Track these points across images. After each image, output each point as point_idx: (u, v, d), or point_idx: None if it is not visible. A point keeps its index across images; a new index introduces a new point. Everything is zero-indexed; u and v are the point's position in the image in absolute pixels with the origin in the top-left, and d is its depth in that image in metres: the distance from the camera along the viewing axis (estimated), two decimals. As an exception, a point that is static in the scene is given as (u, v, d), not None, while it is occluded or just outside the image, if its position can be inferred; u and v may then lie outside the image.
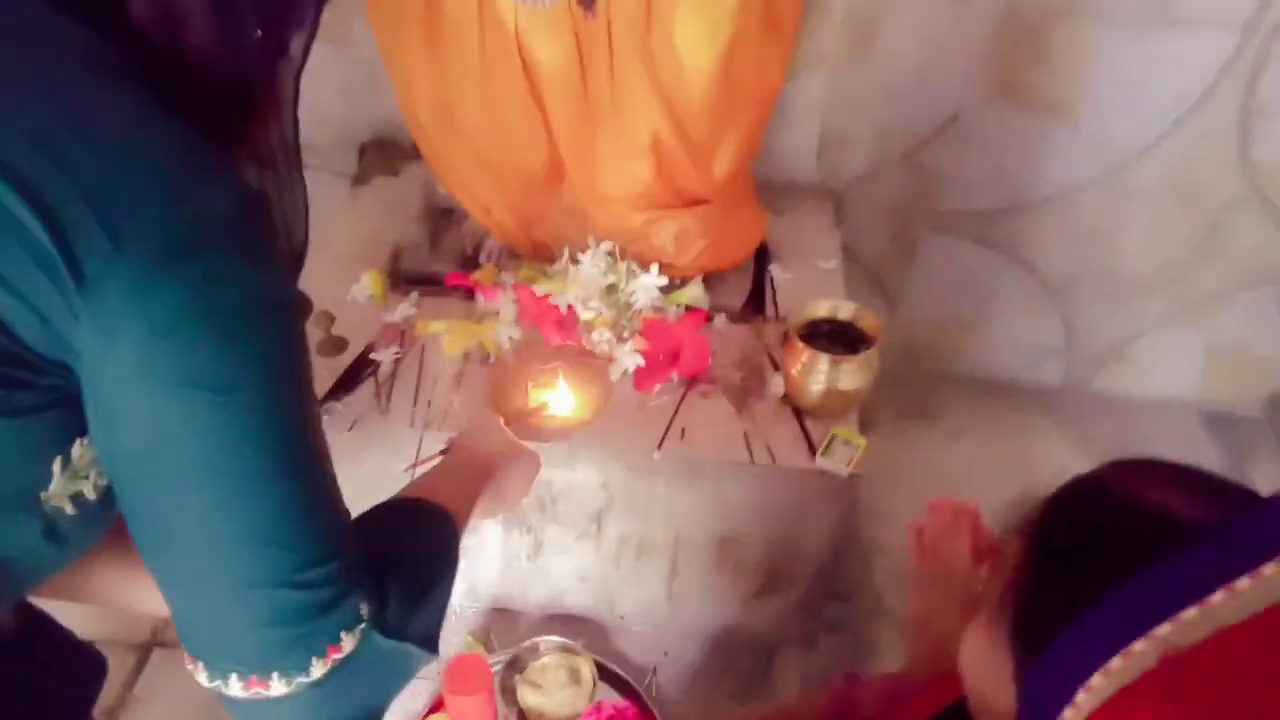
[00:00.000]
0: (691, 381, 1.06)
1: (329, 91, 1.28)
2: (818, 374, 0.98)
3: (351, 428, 0.99)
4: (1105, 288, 1.41)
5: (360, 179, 1.33)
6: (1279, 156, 1.22)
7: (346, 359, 1.06)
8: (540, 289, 1.08)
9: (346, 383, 1.03)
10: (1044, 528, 0.46)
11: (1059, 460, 1.44)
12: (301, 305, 0.45)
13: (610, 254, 1.11)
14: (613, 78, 0.96)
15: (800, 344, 0.99)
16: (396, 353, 1.07)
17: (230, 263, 0.40)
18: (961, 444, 1.48)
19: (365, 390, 1.03)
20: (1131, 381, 1.53)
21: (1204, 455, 1.45)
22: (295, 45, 0.49)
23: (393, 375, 1.05)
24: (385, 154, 1.36)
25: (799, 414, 1.02)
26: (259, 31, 0.46)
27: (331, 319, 1.07)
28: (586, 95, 0.99)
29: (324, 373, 1.03)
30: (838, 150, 1.32)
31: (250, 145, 0.50)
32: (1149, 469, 0.45)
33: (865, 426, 1.01)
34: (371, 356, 1.07)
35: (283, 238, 0.53)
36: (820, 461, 0.96)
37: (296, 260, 0.56)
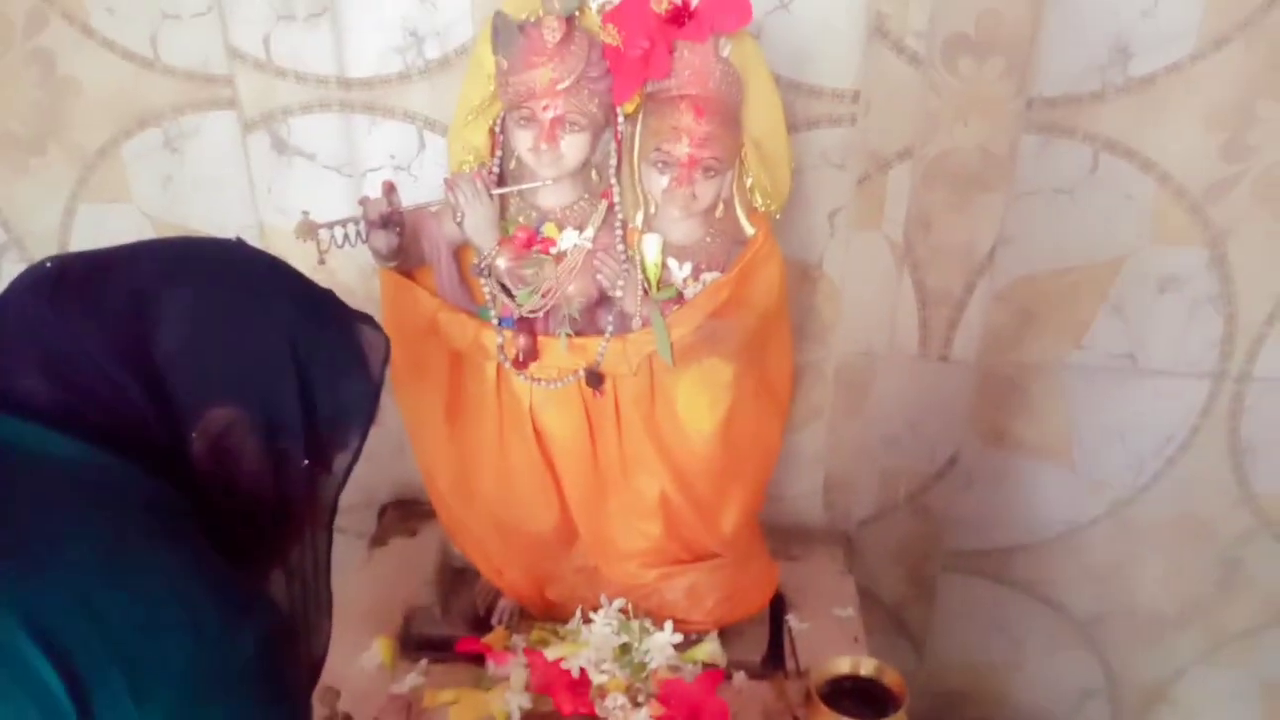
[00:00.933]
0: (712, 751, 1.00)
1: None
2: (845, 742, 0.93)
3: (348, 820, 0.92)
4: (1134, 624, 1.37)
5: (378, 540, 1.36)
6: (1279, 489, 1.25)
7: (349, 737, 1.02)
8: (552, 653, 1.06)
9: (347, 766, 0.98)
10: None
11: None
12: None
13: (623, 611, 1.10)
14: (621, 445, 1.02)
15: (824, 708, 0.95)
16: (402, 728, 1.02)
17: (245, 709, 0.40)
18: (1014, 806, 1.35)
19: (367, 775, 0.97)
20: (1186, 725, 1.43)
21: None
22: (339, 465, 0.53)
23: (396, 755, 0.99)
24: (404, 514, 1.40)
25: (829, 788, 0.94)
26: (306, 461, 0.50)
27: (337, 694, 1.03)
28: (596, 461, 1.04)
29: (325, 754, 0.98)
30: (844, 494, 1.36)
31: (284, 559, 0.53)
32: None
33: (902, 800, 0.94)
34: (375, 734, 1.02)
35: (302, 653, 0.54)
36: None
37: (314, 670, 0.56)
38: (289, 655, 0.44)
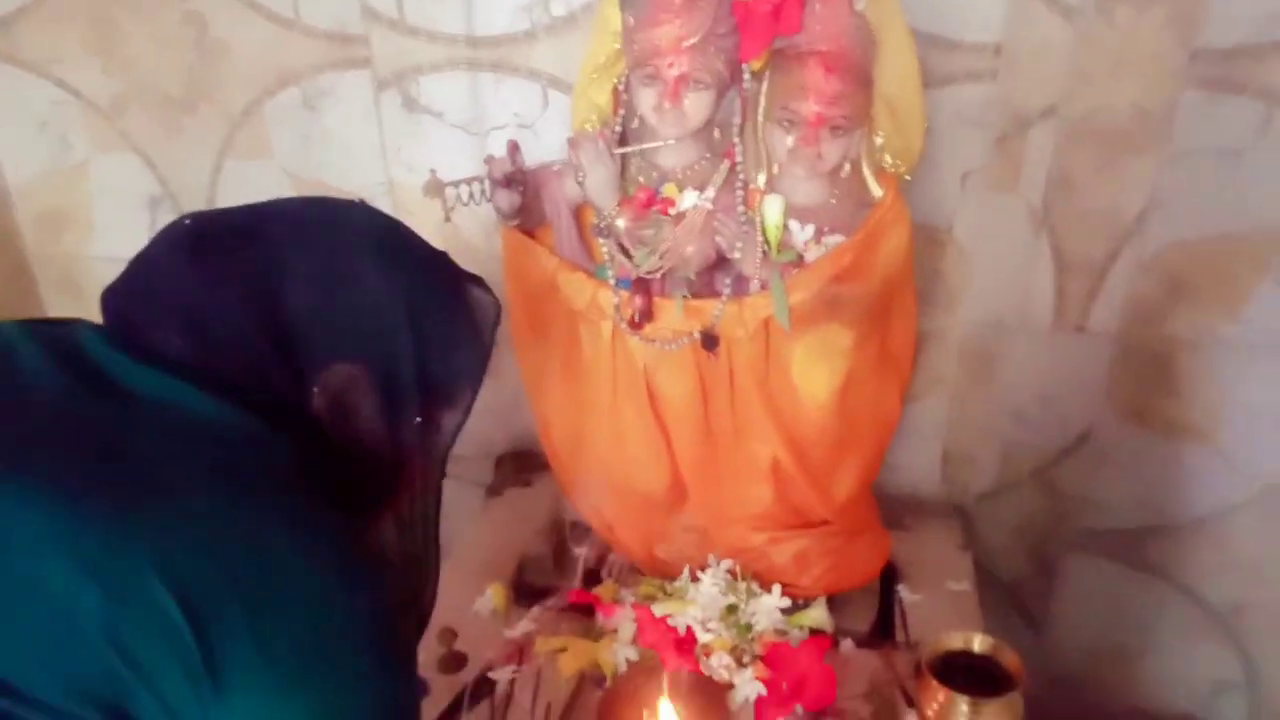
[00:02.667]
0: (817, 716, 1.00)
1: (477, 412, 1.39)
2: (957, 718, 0.91)
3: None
4: (1279, 617, 1.28)
5: (494, 490, 1.40)
6: None
7: (465, 676, 1.06)
8: (659, 609, 1.08)
9: (462, 704, 1.02)
10: None
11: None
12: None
13: (730, 573, 1.11)
14: (733, 409, 1.02)
15: (935, 683, 0.93)
16: (514, 671, 1.07)
17: (362, 671, 0.42)
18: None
19: (480, 713, 1.01)
20: (1332, 729, 1.33)
21: None
22: (449, 423, 0.55)
23: (508, 697, 1.04)
24: (520, 465, 1.43)
25: (938, 763, 0.93)
26: (418, 418, 0.52)
27: (454, 635, 1.08)
28: (708, 424, 1.04)
29: (442, 689, 1.03)
30: (963, 468, 1.31)
31: (395, 512, 0.55)
32: None
33: (1014, 781, 0.91)
34: (489, 675, 1.06)
35: (411, 607, 0.56)
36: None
37: (421, 622, 0.59)
38: (401, 617, 0.46)
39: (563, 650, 1.08)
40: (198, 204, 1.38)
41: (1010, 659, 0.95)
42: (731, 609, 1.08)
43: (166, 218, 1.42)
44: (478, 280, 0.64)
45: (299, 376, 0.52)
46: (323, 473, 0.49)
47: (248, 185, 1.36)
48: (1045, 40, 1.04)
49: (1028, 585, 1.36)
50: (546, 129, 1.21)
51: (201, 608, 0.40)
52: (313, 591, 0.42)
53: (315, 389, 0.52)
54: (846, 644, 1.09)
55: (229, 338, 0.51)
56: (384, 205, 1.31)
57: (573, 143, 0.95)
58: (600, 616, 1.13)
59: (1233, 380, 1.15)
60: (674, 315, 0.97)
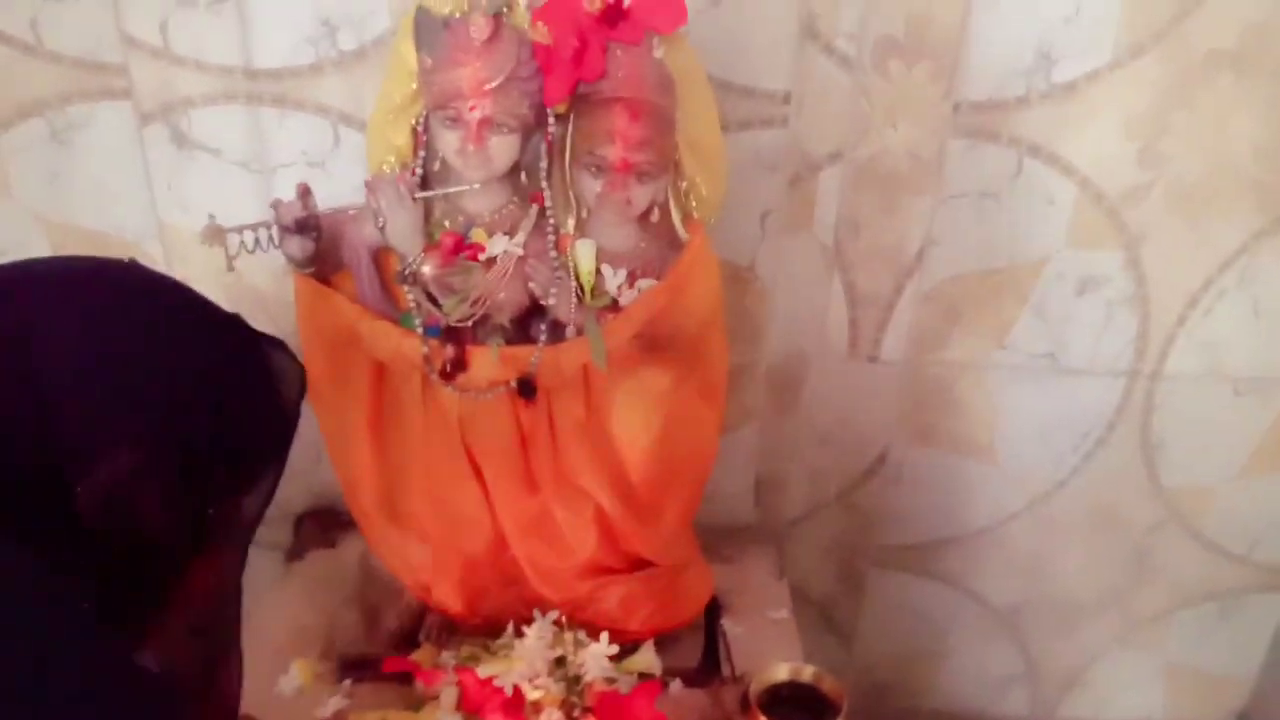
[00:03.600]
0: (651, 764, 0.98)
1: (269, 472, 1.29)
2: (784, 751, 0.93)
3: None
4: (1053, 614, 1.41)
5: (295, 554, 1.29)
6: (1187, 482, 1.30)
7: (269, 769, 0.96)
8: (484, 670, 1.03)
9: (268, 802, 0.92)
10: None
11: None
12: None
13: (556, 623, 1.08)
14: (555, 458, 0.99)
15: (762, 717, 0.94)
16: (326, 756, 0.98)
17: None
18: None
19: (289, 810, 0.92)
20: (1097, 707, 1.49)
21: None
22: (250, 508, 0.49)
23: (321, 787, 0.95)
24: (323, 524, 1.33)
25: (770, 797, 0.94)
26: (212, 509, 0.46)
27: (255, 724, 0.98)
28: (529, 474, 1.01)
29: (243, 789, 0.93)
30: (775, 493, 1.36)
31: (185, 614, 0.48)
32: None
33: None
34: (298, 764, 0.97)
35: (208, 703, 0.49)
36: None
37: (229, 715, 0.52)
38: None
39: (380, 727, 1.01)
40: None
41: (832, 687, 0.98)
42: (559, 661, 1.05)
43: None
44: (278, 344, 0.58)
45: (60, 471, 0.44)
46: (82, 585, 0.42)
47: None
48: (828, 89, 1.11)
49: (838, 603, 1.43)
50: (339, 167, 1.14)
51: None
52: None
53: (80, 486, 0.44)
54: (675, 685, 1.08)
55: None
56: (154, 249, 1.19)
57: (370, 186, 0.90)
58: (420, 684, 1.06)
59: (1003, 400, 1.27)
60: (489, 364, 0.94)
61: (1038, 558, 1.37)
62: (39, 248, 1.19)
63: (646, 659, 1.10)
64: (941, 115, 1.11)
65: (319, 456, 1.18)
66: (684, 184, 0.96)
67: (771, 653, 1.09)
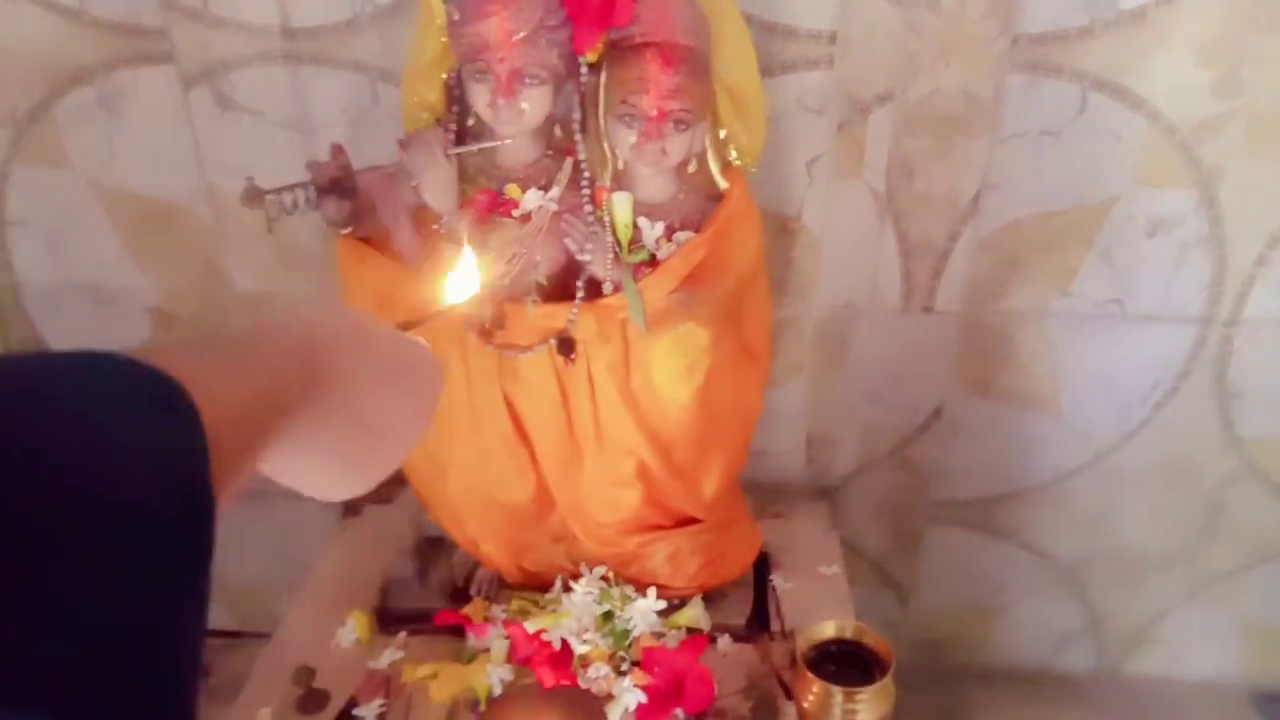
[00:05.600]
0: (698, 717, 0.99)
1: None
2: (832, 708, 0.92)
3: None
4: (1119, 569, 1.37)
5: (351, 509, 1.32)
6: (1265, 432, 1.23)
7: (327, 716, 0.99)
8: (533, 624, 1.04)
9: (326, 749, 0.96)
10: None
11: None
12: None
13: (604, 579, 1.08)
14: (596, 414, 0.98)
15: (810, 676, 0.93)
16: (381, 705, 1.00)
17: None
18: (998, 751, 1.36)
19: (345, 757, 0.95)
20: (1168, 663, 1.44)
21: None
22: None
23: (376, 735, 0.98)
24: (377, 481, 1.36)
25: (817, 753, 0.94)
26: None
27: (312, 673, 1.01)
28: (571, 430, 1.00)
29: (303, 736, 0.96)
30: (826, 450, 1.33)
31: None
32: None
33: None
34: (354, 713, 1.00)
35: None
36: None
37: None
38: None
39: (433, 677, 1.03)
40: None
41: (880, 644, 0.96)
42: (607, 617, 1.06)
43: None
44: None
45: None
46: None
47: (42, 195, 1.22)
48: (876, 27, 1.05)
49: (893, 559, 1.40)
50: (380, 125, 1.14)
51: None
52: None
53: None
54: (724, 640, 1.08)
55: None
56: (203, 211, 1.21)
57: (404, 145, 0.89)
58: (471, 637, 1.08)
59: (1067, 350, 1.22)
60: (525, 322, 0.93)
61: (1103, 513, 1.32)
62: (96, 216, 1.22)
63: (694, 614, 1.09)
64: (997, 50, 1.05)
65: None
66: (722, 132, 0.93)
67: (822, 609, 1.07)
